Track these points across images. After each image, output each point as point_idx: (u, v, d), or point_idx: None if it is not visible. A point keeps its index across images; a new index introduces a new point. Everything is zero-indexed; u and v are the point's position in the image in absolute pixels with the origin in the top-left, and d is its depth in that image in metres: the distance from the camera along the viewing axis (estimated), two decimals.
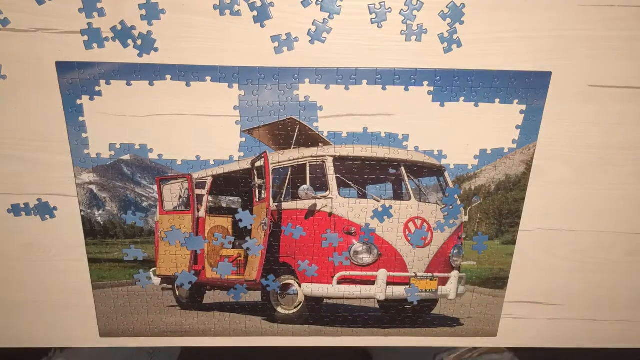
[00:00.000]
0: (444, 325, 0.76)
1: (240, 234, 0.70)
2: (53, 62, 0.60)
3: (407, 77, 0.62)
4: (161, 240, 0.70)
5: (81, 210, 0.68)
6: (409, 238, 0.70)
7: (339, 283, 0.72)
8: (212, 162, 0.66)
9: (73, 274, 0.72)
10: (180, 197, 0.68)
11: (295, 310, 0.75)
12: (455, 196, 0.68)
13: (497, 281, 0.74)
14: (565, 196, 0.69)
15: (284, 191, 0.68)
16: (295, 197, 0.68)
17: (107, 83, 0.61)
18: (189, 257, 0.71)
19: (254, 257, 0.71)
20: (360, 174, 0.67)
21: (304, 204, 0.68)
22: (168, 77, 0.61)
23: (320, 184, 0.67)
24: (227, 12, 0.58)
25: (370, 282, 0.72)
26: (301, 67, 0.61)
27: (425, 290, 0.73)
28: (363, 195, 0.68)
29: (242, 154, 0.66)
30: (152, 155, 0.65)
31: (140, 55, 0.60)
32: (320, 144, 0.65)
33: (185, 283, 0.72)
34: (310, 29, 0.59)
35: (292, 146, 0.65)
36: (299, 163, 0.66)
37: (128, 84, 0.61)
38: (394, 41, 0.60)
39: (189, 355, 0.99)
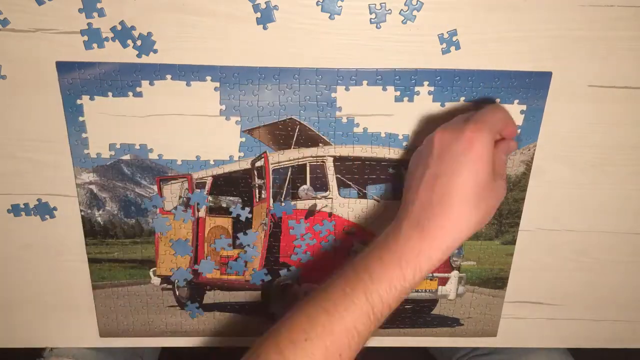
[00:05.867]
0: (444, 325, 0.76)
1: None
2: (53, 62, 0.60)
3: (408, 78, 0.62)
4: (161, 240, 0.70)
5: (81, 210, 0.68)
6: None
7: None
8: (212, 162, 0.66)
9: (73, 274, 0.72)
10: (180, 197, 0.68)
11: None
12: None
13: (497, 281, 0.74)
14: (565, 196, 0.69)
15: (284, 191, 0.68)
16: (295, 197, 0.68)
17: (108, 83, 0.61)
18: (189, 257, 0.71)
19: (253, 257, 0.71)
20: (360, 174, 0.67)
21: (304, 204, 0.68)
22: (168, 76, 0.61)
23: (320, 184, 0.67)
24: (228, 12, 0.58)
25: None
26: (301, 68, 0.61)
27: (425, 291, 0.73)
28: (363, 195, 0.68)
29: (242, 154, 0.66)
30: (152, 155, 0.65)
31: (139, 55, 0.60)
32: (320, 144, 0.65)
33: (180, 280, 0.72)
34: (310, 29, 0.59)
35: (292, 146, 0.65)
36: (299, 163, 0.66)
37: (128, 84, 0.61)
38: (394, 41, 0.60)
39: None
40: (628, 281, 0.75)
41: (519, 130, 0.61)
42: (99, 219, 0.69)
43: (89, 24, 0.59)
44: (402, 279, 0.51)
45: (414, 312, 0.75)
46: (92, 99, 0.62)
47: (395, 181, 0.68)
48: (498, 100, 0.63)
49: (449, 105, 0.63)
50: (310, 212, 0.69)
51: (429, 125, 0.64)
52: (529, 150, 0.66)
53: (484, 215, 0.53)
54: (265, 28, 0.59)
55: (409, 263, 0.51)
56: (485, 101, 0.63)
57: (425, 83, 0.62)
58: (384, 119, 0.64)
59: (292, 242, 0.70)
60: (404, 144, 0.65)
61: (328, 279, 0.53)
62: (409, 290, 0.52)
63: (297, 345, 0.49)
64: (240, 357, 0.51)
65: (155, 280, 0.73)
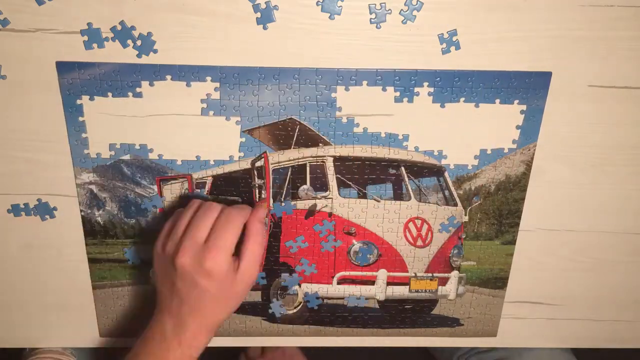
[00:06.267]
0: (444, 325, 0.76)
1: None
2: (53, 62, 0.60)
3: (408, 78, 0.62)
4: None
5: (81, 210, 0.68)
6: (409, 238, 0.70)
7: (338, 283, 0.72)
8: (212, 162, 0.66)
9: (73, 274, 0.72)
10: (180, 197, 0.68)
11: (295, 310, 0.75)
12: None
13: (497, 281, 0.74)
14: (565, 196, 0.69)
15: (284, 191, 0.68)
16: (295, 197, 0.68)
17: (108, 83, 0.61)
18: None
19: None
20: (360, 174, 0.67)
21: (304, 204, 0.68)
22: (168, 77, 0.61)
23: (320, 184, 0.67)
24: (228, 12, 0.58)
25: (370, 282, 0.72)
26: (301, 68, 0.61)
27: (425, 291, 0.73)
28: (363, 195, 0.68)
29: (242, 154, 0.66)
30: (152, 155, 0.65)
31: (139, 56, 0.60)
32: (320, 144, 0.65)
33: None
34: (310, 29, 0.59)
35: (292, 146, 0.65)
36: (299, 163, 0.66)
37: (128, 84, 0.61)
38: (394, 41, 0.60)
39: None
40: (628, 281, 0.75)
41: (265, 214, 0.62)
42: (99, 219, 0.69)
43: (89, 24, 0.59)
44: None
45: (414, 312, 0.75)
46: (92, 99, 0.62)
47: (395, 181, 0.68)
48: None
49: (448, 106, 0.63)
50: (310, 212, 0.69)
51: (428, 126, 0.64)
52: (529, 150, 0.66)
53: (234, 304, 0.61)
54: (265, 28, 0.59)
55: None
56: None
57: (425, 84, 0.62)
58: (384, 119, 0.64)
59: (293, 242, 0.70)
60: (404, 144, 0.65)
61: None
62: None
63: None
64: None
65: None
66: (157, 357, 0.59)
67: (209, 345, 0.59)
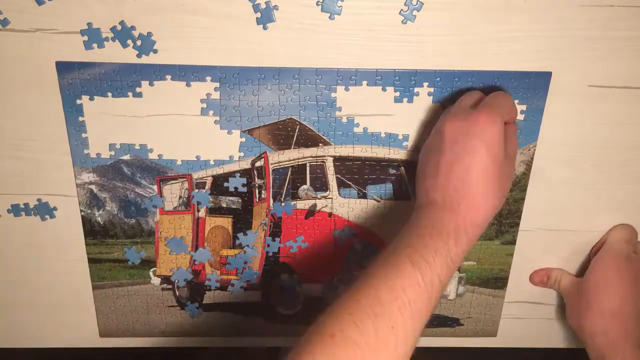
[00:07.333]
0: (444, 325, 0.76)
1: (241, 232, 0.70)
2: (53, 62, 0.60)
3: (407, 78, 0.62)
4: (161, 240, 0.70)
5: (81, 210, 0.68)
6: None
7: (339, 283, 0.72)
8: (212, 162, 0.66)
9: (73, 274, 0.72)
10: (180, 197, 0.68)
11: (295, 311, 0.75)
12: None
13: (497, 281, 0.74)
14: (565, 196, 0.69)
15: (284, 191, 0.68)
16: (295, 197, 0.68)
17: (107, 83, 0.61)
18: (189, 257, 0.71)
19: (253, 258, 0.71)
20: (360, 174, 0.67)
21: (304, 204, 0.68)
22: (168, 77, 0.61)
23: (320, 184, 0.67)
24: (228, 12, 0.58)
25: None
26: (301, 68, 0.61)
27: None
28: (363, 195, 0.68)
29: (242, 154, 0.66)
30: (152, 155, 0.65)
31: (139, 56, 0.60)
32: (320, 144, 0.65)
33: (180, 280, 0.72)
34: (310, 29, 0.59)
35: (292, 146, 0.65)
36: (299, 163, 0.67)
37: (128, 84, 0.61)
38: (393, 41, 0.60)
39: None
40: None
41: (519, 113, 0.62)
42: (99, 219, 0.69)
43: (89, 24, 0.59)
44: (445, 248, 0.51)
45: None
46: (92, 99, 0.62)
47: (395, 181, 0.68)
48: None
49: (449, 106, 0.63)
50: (310, 212, 0.69)
51: (428, 126, 0.64)
52: (529, 150, 0.66)
53: (503, 194, 0.55)
54: (265, 28, 0.59)
55: (449, 234, 0.51)
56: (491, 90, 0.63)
57: (425, 84, 0.62)
58: (384, 119, 0.64)
59: (293, 242, 0.70)
60: (404, 144, 0.65)
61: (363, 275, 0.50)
62: (454, 263, 0.51)
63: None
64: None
65: (155, 280, 0.73)
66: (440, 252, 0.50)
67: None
